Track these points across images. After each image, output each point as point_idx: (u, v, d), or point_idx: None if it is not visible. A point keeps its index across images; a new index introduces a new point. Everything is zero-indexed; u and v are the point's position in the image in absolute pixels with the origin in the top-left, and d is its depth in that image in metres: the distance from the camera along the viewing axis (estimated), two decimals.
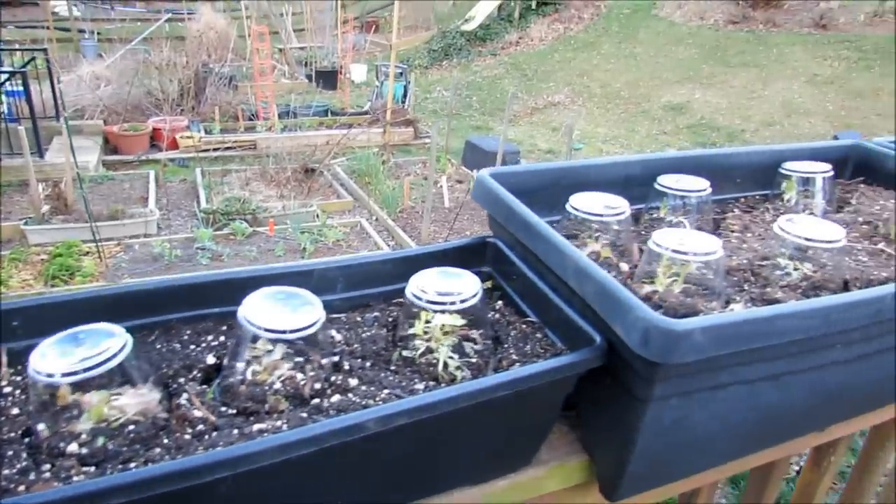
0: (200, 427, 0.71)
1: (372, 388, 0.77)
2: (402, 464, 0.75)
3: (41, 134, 7.31)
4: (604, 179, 1.16)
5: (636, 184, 1.19)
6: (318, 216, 6.71)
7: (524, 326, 0.90)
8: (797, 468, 2.66)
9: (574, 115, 10.64)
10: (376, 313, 0.92)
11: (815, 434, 1.25)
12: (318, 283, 0.92)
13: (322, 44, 13.15)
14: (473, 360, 0.84)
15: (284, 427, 0.69)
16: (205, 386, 0.79)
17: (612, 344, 0.78)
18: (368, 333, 0.86)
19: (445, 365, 0.82)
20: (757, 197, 1.34)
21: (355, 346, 0.84)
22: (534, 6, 15.56)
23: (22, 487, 0.62)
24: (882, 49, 11.52)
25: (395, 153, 8.83)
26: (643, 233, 1.11)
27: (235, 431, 0.69)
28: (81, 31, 13.67)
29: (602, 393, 0.86)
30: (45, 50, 8.10)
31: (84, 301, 0.81)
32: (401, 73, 10.22)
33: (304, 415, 0.72)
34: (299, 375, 0.78)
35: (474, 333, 0.86)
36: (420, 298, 0.82)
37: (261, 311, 0.76)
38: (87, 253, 5.59)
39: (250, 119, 9.44)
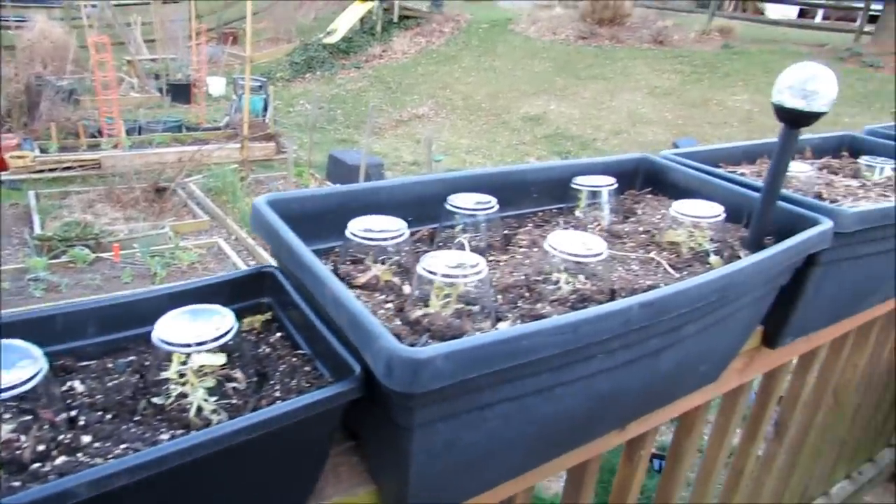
0: None
1: (107, 445, 0.70)
2: None
3: None
4: (395, 201, 1.15)
5: (432, 203, 1.19)
6: (171, 238, 6.34)
7: (294, 360, 0.86)
8: None
9: (437, 127, 10.85)
10: (132, 357, 0.85)
11: (618, 432, 1.31)
12: (63, 328, 0.83)
13: (175, 55, 12.50)
14: (234, 402, 0.79)
15: None
16: None
17: (370, 374, 0.76)
18: (115, 382, 0.79)
19: (200, 409, 0.77)
20: (553, 211, 1.39)
21: (98, 396, 0.77)
22: (395, 20, 15.71)
23: None
24: (709, 63, 12.75)
25: (254, 169, 8.54)
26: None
27: None
28: None
29: (373, 422, 0.84)
30: None
31: None
32: (259, 86, 9.92)
33: (18, 483, 0.64)
34: (23, 437, 0.69)
35: (237, 372, 0.81)
36: (167, 342, 0.76)
37: None
38: None
39: (93, 136, 8.76)
